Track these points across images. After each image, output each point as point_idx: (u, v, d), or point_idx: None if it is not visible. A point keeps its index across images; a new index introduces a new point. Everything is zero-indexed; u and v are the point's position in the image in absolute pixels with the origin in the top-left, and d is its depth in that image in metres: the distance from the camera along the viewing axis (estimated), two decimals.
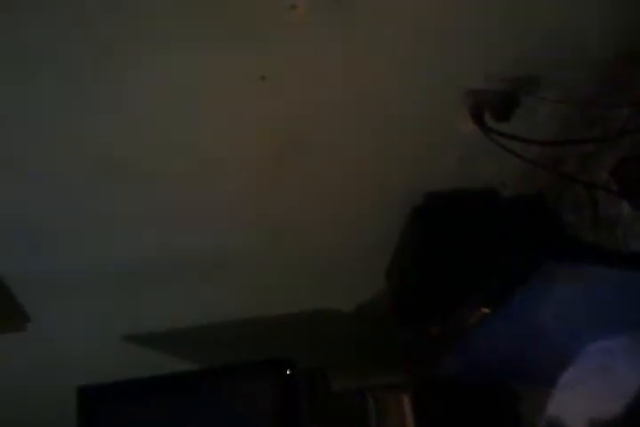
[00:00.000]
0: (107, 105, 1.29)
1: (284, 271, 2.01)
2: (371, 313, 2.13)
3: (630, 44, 1.37)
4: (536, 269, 0.97)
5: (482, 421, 1.97)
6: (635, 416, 0.88)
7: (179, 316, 2.13)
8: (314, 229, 1.86)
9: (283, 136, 1.50)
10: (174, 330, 2.19)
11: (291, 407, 1.94)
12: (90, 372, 1.94)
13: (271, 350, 1.97)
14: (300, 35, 1.21)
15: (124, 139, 1.40)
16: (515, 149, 1.48)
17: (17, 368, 2.23)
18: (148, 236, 1.76)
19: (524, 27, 1.30)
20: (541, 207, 1.65)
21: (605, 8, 1.29)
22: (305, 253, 1.94)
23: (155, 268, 1.89)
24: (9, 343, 2.05)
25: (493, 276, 0.99)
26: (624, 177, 1.43)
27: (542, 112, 1.49)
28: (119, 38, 1.14)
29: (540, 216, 1.64)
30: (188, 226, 1.75)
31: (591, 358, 0.95)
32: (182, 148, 1.47)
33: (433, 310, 1.91)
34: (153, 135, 1.41)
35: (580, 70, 1.42)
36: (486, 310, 1.02)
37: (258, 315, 2.15)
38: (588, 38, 1.36)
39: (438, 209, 1.64)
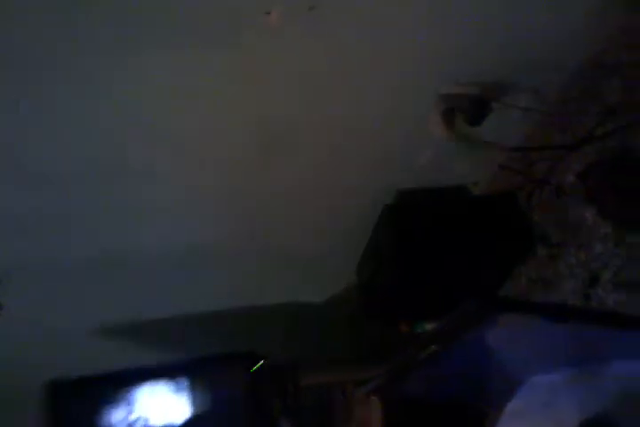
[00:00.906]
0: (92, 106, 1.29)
1: (256, 267, 2.01)
2: (343, 309, 2.15)
3: (599, 52, 1.39)
4: (483, 316, 1.00)
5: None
6: None
7: (152, 309, 2.12)
8: (287, 225, 1.87)
9: (259, 136, 1.50)
10: (146, 323, 2.17)
11: (259, 401, 1.96)
12: (54, 365, 1.93)
13: (242, 345, 1.98)
14: (275, 38, 1.21)
15: (111, 138, 1.39)
16: (486, 151, 1.50)
17: None
18: (121, 229, 1.75)
19: (496, 33, 1.31)
20: (511, 207, 1.67)
21: (575, 17, 1.31)
22: (278, 249, 1.94)
23: (126, 261, 1.88)
24: None
25: (445, 314, 1.02)
26: (590, 181, 1.45)
27: (513, 117, 1.51)
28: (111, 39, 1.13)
29: (509, 217, 1.66)
30: (162, 221, 1.75)
31: (534, 391, 0.98)
32: (167, 145, 1.47)
33: (402, 306, 1.94)
34: (139, 133, 1.41)
35: (551, 77, 1.44)
36: (435, 348, 1.05)
37: (230, 309, 2.14)
38: (559, 46, 1.37)
39: (409, 208, 1.66)
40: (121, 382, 1.97)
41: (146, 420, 1.92)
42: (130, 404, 1.94)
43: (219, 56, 1.24)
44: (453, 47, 1.33)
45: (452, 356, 1.03)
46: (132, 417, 1.92)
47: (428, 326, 1.95)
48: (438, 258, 1.60)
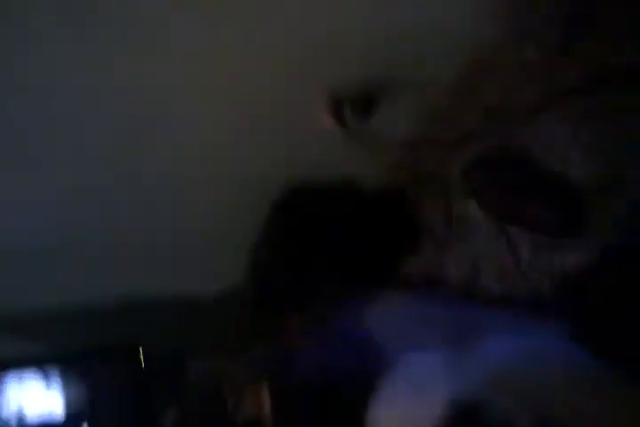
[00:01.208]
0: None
1: (141, 255, 1.96)
2: (234, 302, 2.13)
3: (480, 50, 1.42)
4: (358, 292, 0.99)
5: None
6: None
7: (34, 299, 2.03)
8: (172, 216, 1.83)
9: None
10: (29, 314, 2.08)
11: (143, 394, 1.92)
12: None
13: (128, 336, 1.93)
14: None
15: None
16: (375, 147, 1.51)
17: None
18: None
19: (383, 27, 1.32)
20: (401, 204, 1.70)
21: (462, 16, 1.33)
22: (163, 238, 1.90)
23: None
24: None
25: (320, 297, 1.00)
26: (471, 178, 1.50)
27: (401, 113, 1.53)
28: None
29: (398, 212, 1.68)
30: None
31: (406, 371, 0.98)
32: None
33: (290, 300, 1.94)
34: None
35: (439, 73, 1.46)
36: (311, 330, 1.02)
37: (116, 299, 2.08)
38: (446, 43, 1.40)
39: (298, 204, 1.65)
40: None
41: (19, 419, 1.84)
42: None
43: None
44: (342, 45, 1.33)
45: (330, 337, 1.02)
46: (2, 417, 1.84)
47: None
48: (326, 254, 1.60)
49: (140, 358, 1.90)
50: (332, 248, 1.60)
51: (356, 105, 1.44)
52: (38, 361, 1.90)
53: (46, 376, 1.86)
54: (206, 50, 1.28)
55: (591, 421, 0.68)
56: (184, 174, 1.66)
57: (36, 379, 1.85)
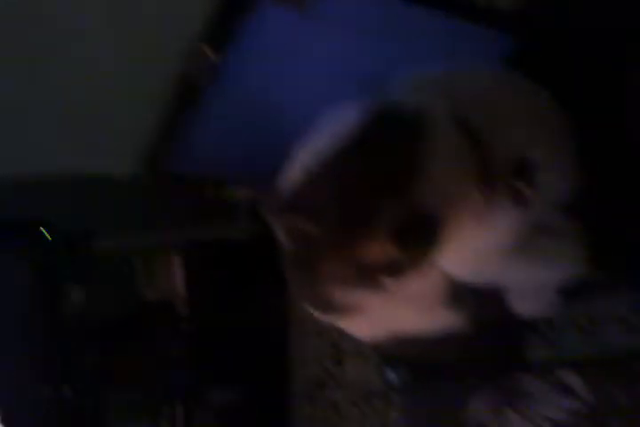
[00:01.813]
0: None
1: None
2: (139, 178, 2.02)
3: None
4: None
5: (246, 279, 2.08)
6: None
7: None
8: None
9: None
10: None
11: (49, 271, 1.82)
12: None
13: (27, 213, 1.78)
14: None
15: None
16: None
17: None
18: None
19: None
20: None
21: None
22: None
23: None
24: None
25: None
26: None
27: None
28: None
29: None
30: None
31: None
32: None
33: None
34: None
35: None
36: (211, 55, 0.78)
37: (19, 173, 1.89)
38: None
39: None
40: None
41: None
42: None
43: None
44: None
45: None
46: None
47: (239, 193, 1.94)
48: None
49: (46, 234, 1.78)
50: None
51: None
52: None
53: None
54: None
55: (504, 119, 0.70)
56: None
57: None
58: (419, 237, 0.62)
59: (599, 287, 0.74)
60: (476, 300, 0.82)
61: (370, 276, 0.68)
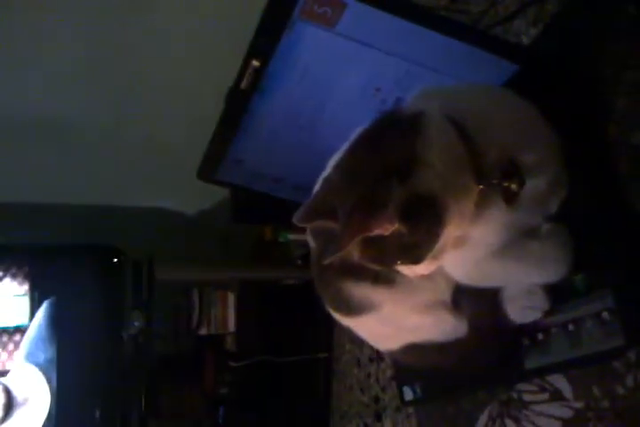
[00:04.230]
0: None
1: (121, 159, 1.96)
2: (213, 217, 2.17)
3: None
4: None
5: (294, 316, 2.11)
6: None
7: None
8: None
9: None
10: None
11: (115, 295, 1.93)
12: None
13: (101, 238, 1.94)
14: None
15: None
16: None
17: None
18: None
19: None
20: None
21: None
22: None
23: None
24: None
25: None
26: None
27: None
28: None
29: None
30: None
31: None
32: None
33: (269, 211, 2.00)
34: None
35: None
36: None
37: (93, 201, 2.07)
38: None
39: None
40: None
41: None
42: None
43: None
44: None
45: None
46: None
47: (292, 236, 2.05)
48: None
49: (115, 260, 1.91)
50: None
51: None
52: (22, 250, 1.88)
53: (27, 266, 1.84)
54: None
55: (495, 124, 0.74)
56: None
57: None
58: (423, 214, 0.69)
59: (581, 289, 0.80)
60: (475, 304, 0.88)
61: (388, 261, 0.75)
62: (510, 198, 0.77)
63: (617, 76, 0.82)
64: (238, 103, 0.90)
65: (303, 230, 0.90)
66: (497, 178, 0.75)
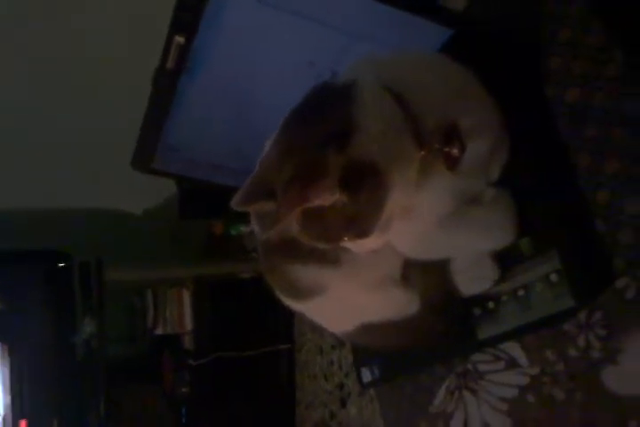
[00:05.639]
0: None
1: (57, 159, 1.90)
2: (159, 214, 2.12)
3: None
4: None
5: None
6: None
7: None
8: None
9: None
10: None
11: (64, 300, 1.89)
12: None
13: (45, 243, 1.88)
14: None
15: None
16: None
17: None
18: None
19: None
20: None
21: None
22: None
23: None
24: None
25: None
26: None
27: None
28: None
29: None
30: None
31: None
32: None
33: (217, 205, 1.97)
34: None
35: None
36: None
37: (32, 204, 2.01)
38: None
39: None
40: None
41: None
42: None
43: None
44: None
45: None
46: None
47: (244, 228, 2.02)
48: None
49: (62, 264, 1.86)
50: None
51: None
52: None
53: None
54: None
55: (431, 90, 0.73)
56: None
57: None
58: (364, 181, 0.67)
59: (527, 253, 0.79)
60: (424, 279, 0.87)
61: (334, 237, 0.73)
62: (452, 164, 0.75)
63: (552, 37, 0.82)
64: (166, 84, 0.87)
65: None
66: (438, 143, 0.74)
